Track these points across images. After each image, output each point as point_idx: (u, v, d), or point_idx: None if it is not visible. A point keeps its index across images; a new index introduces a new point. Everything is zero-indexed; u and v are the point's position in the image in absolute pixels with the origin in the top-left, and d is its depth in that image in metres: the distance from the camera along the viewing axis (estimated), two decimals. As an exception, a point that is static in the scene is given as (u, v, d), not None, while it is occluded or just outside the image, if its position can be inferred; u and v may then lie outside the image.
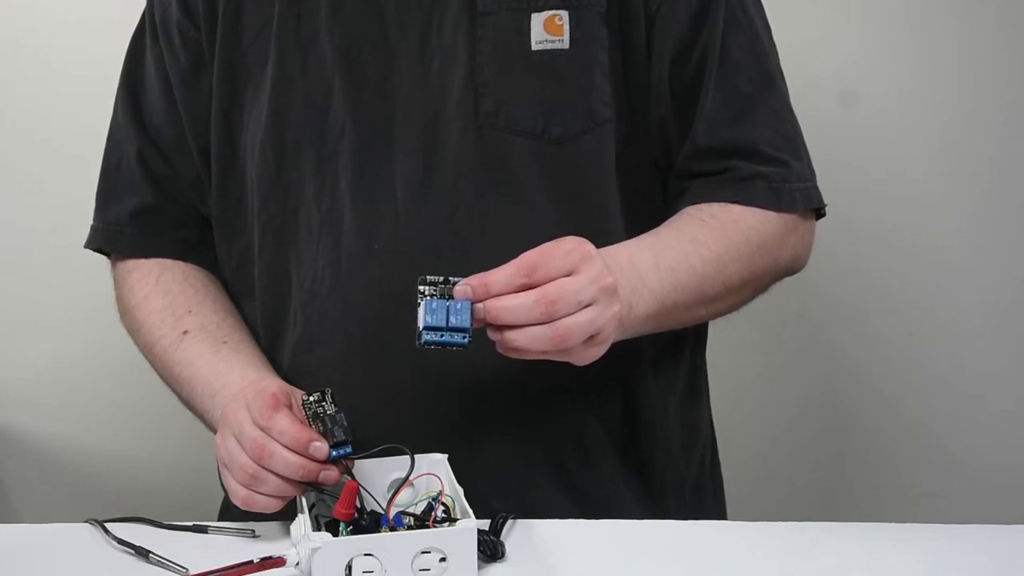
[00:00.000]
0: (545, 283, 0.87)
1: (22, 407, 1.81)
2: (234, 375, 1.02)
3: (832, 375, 1.86)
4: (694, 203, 1.05)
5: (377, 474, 0.92)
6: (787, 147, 1.08)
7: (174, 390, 1.10)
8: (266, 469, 0.88)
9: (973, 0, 1.74)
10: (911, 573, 0.88)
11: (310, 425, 0.89)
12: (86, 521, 0.96)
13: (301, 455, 0.87)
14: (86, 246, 1.18)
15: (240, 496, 0.91)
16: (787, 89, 1.11)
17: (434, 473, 0.90)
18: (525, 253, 0.89)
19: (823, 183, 1.12)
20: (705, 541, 0.94)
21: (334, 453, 0.87)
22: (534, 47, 1.02)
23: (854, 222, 1.71)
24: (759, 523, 0.96)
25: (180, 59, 1.12)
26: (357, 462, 0.90)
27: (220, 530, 0.95)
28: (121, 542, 0.92)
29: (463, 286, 0.87)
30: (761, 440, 1.82)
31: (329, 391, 0.91)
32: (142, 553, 0.90)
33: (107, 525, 0.95)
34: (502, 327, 0.87)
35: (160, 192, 1.15)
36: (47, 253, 1.75)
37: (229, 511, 1.16)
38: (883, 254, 1.80)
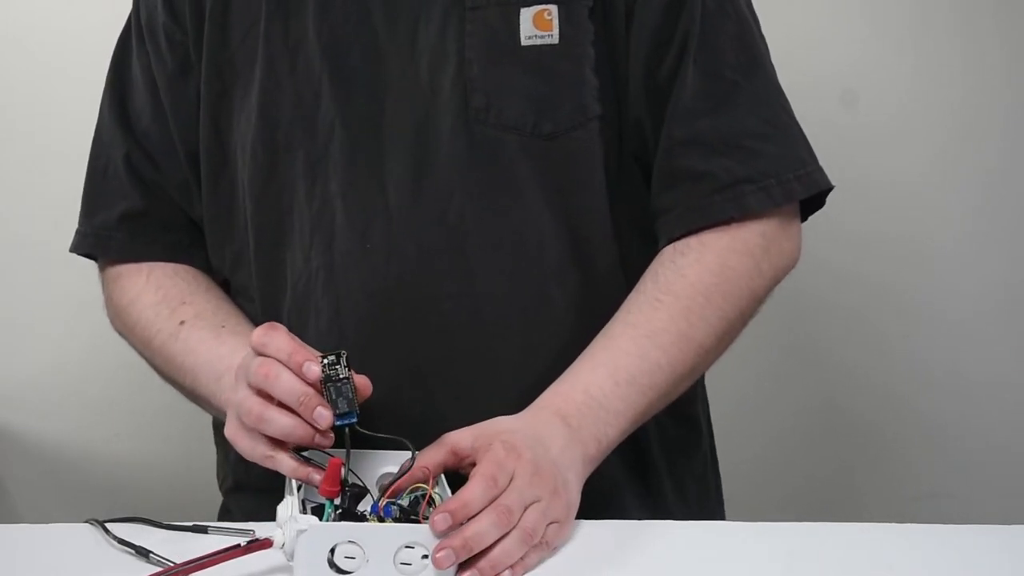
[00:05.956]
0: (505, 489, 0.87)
1: (22, 407, 1.81)
2: (237, 356, 1.01)
3: (833, 375, 1.86)
4: (683, 234, 1.03)
5: (370, 463, 0.93)
6: (775, 135, 1.04)
7: (176, 382, 1.09)
8: (270, 395, 0.87)
9: (974, 1, 1.75)
10: (914, 573, 0.88)
11: (323, 386, 0.88)
12: (86, 521, 0.96)
13: (296, 375, 0.87)
14: (72, 250, 1.17)
15: (253, 455, 0.90)
16: (775, 73, 1.08)
17: (425, 467, 0.89)
18: (481, 464, 0.88)
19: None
20: (705, 541, 0.94)
21: (337, 422, 0.87)
22: (523, 42, 1.02)
23: (854, 222, 1.71)
24: (760, 523, 0.95)
25: (167, 62, 1.11)
26: (352, 450, 0.89)
27: (220, 530, 0.95)
28: (121, 542, 0.92)
29: (443, 515, 0.83)
30: (762, 440, 1.82)
31: (344, 354, 0.89)
32: (142, 553, 0.90)
33: (107, 525, 0.94)
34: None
35: (148, 196, 1.14)
36: (47, 253, 1.74)
37: (229, 511, 1.16)
38: (885, 253, 1.80)
